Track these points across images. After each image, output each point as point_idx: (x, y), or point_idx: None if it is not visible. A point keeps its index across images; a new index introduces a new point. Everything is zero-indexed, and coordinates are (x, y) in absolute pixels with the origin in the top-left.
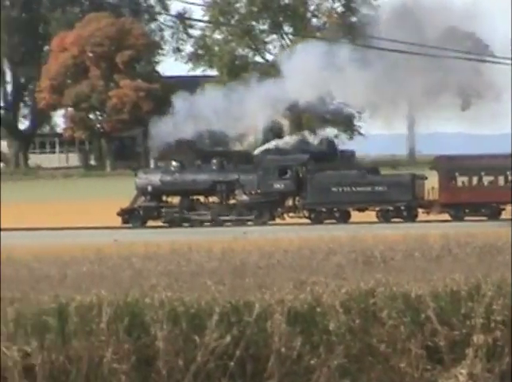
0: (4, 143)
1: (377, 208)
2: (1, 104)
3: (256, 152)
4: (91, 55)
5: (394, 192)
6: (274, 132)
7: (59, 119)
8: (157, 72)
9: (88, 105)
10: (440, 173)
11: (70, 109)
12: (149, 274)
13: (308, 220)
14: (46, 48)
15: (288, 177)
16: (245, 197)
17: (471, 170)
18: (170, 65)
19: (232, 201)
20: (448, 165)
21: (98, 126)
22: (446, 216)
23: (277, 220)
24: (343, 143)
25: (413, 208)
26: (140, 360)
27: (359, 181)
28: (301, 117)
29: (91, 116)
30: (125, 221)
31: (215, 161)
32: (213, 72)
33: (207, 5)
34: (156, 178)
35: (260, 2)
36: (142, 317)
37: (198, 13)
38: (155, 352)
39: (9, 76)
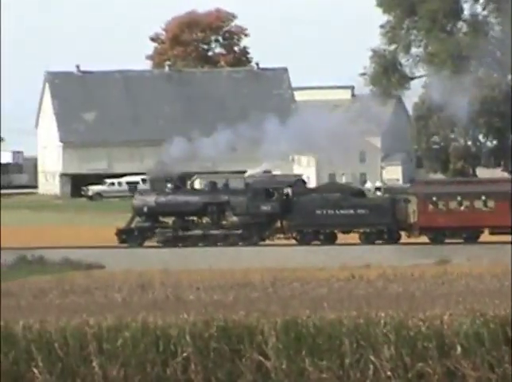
0: None
1: (360, 231)
2: None
3: (247, 175)
4: None
5: (375, 215)
6: None
7: None
8: None
9: None
10: (417, 197)
11: None
12: None
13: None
14: None
15: (275, 199)
16: (235, 218)
17: (447, 195)
18: None
19: (224, 222)
20: (425, 190)
21: None
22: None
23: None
24: None
25: (394, 231)
26: None
27: (342, 204)
28: None
29: None
30: (122, 241)
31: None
32: None
33: None
34: (151, 199)
35: None
36: None
37: None
38: None
39: None
